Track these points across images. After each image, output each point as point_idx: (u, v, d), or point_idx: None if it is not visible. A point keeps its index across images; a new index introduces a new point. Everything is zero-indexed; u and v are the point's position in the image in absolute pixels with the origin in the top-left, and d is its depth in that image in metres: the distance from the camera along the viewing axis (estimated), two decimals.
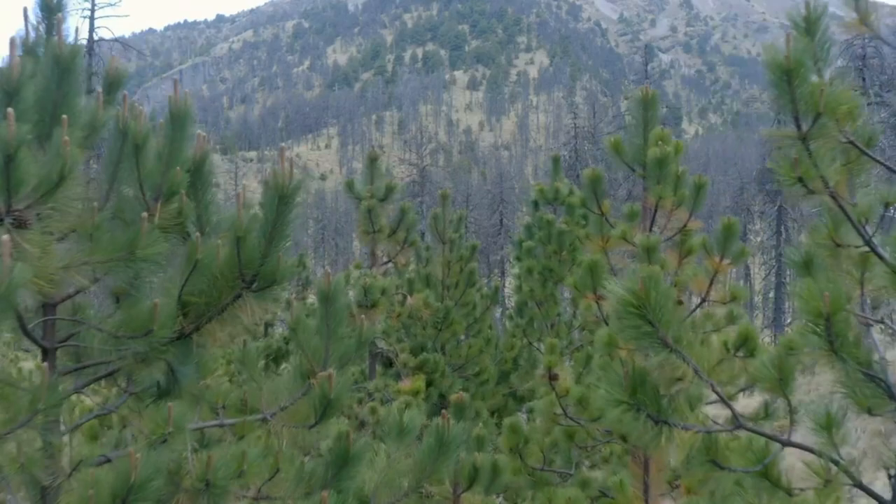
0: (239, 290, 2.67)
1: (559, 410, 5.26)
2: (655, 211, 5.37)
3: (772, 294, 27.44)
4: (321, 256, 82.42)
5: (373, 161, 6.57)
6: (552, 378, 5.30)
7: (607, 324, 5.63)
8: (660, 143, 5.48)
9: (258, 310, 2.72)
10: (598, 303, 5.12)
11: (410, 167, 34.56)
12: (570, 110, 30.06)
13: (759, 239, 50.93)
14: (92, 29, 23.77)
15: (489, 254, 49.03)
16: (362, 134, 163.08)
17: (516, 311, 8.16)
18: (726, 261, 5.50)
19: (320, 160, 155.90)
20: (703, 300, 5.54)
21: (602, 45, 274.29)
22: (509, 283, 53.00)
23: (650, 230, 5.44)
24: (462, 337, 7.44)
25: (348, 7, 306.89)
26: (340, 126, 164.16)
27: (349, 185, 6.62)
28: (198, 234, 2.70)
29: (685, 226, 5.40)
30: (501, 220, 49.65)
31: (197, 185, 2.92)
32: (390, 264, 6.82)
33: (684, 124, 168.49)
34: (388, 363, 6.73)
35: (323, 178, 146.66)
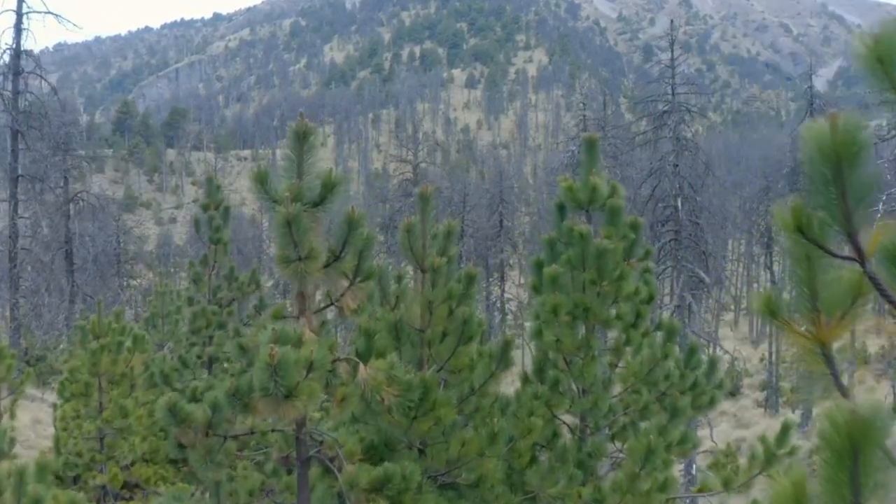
0: None
1: None
2: None
3: None
4: None
5: (302, 138, 3.84)
6: None
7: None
8: None
9: None
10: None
11: (403, 164, 31.77)
12: (579, 100, 27.31)
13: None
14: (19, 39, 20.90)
15: (488, 257, 46.23)
16: (359, 132, 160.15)
17: (535, 372, 5.42)
18: None
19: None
20: None
21: (601, 44, 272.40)
22: (509, 288, 50.34)
23: None
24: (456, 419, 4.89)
25: (346, 5, 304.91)
26: (336, 124, 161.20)
27: (260, 180, 3.86)
28: None
29: None
30: (501, 222, 46.88)
31: None
32: (333, 309, 4.12)
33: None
34: (329, 472, 4.08)
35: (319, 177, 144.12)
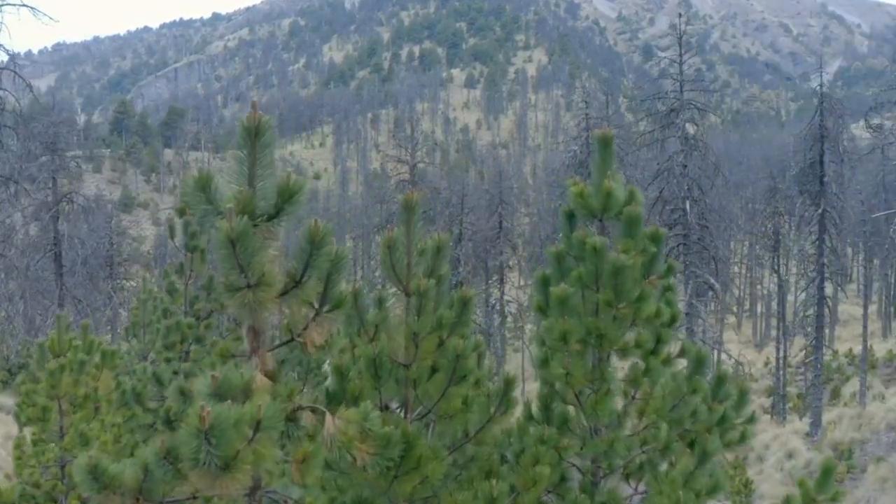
0: None
1: None
2: None
3: (812, 311, 23.88)
4: None
5: (254, 135, 3.07)
6: None
7: None
8: None
9: None
10: None
11: (400, 164, 30.96)
12: (582, 98, 26.50)
13: (795, 247, 47.44)
14: None
15: (487, 259, 45.41)
16: (357, 132, 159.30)
17: (540, 408, 4.64)
18: None
19: (314, 159, 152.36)
20: None
21: (601, 44, 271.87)
22: (509, 291, 49.60)
23: None
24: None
25: (345, 5, 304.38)
26: (335, 124, 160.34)
27: (201, 185, 3.09)
28: None
29: None
30: (500, 223, 46.10)
31: None
32: (293, 345, 3.34)
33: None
34: None
35: (317, 177, 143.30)
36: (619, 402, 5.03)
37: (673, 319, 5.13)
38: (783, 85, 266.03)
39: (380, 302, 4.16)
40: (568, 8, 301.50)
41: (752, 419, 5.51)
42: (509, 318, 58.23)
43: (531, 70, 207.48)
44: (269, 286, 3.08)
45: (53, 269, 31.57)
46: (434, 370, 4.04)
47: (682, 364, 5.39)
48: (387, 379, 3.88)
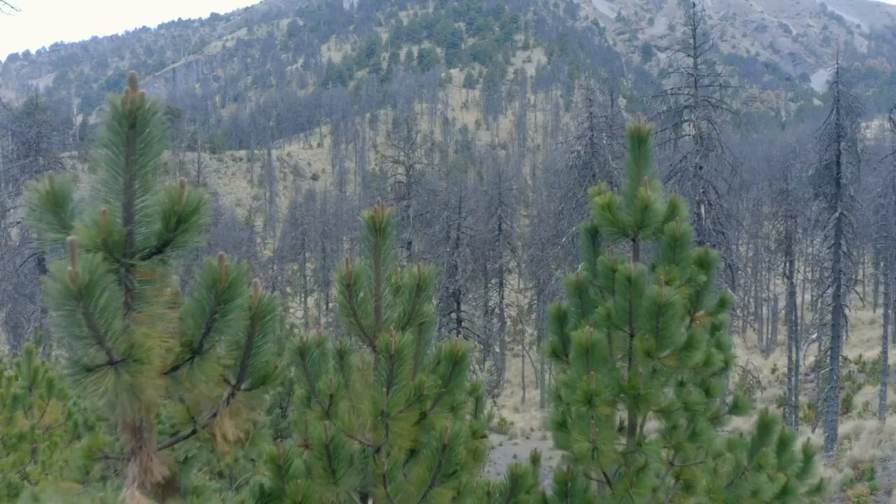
0: None
1: None
2: None
3: (828, 318, 22.69)
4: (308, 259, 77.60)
5: (132, 123, 1.90)
6: None
7: None
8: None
9: None
10: None
11: (396, 164, 29.80)
12: (586, 95, 25.36)
13: (809, 250, 46.21)
14: None
15: (486, 262, 44.23)
16: (355, 132, 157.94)
17: (558, 493, 3.50)
18: None
19: (312, 159, 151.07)
20: None
21: (600, 44, 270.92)
22: (508, 295, 48.49)
23: None
24: None
25: (343, 5, 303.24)
26: (333, 124, 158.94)
27: (52, 204, 1.92)
28: None
29: None
30: (500, 225, 44.98)
31: None
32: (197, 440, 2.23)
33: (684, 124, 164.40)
34: None
35: (314, 178, 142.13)
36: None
37: (725, 366, 4.00)
38: (783, 85, 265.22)
39: (340, 356, 3.03)
40: (567, 8, 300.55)
41: (820, 487, 4.37)
42: (508, 322, 57.07)
43: (530, 70, 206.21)
44: (145, 362, 1.96)
45: (37, 273, 30.39)
46: (413, 452, 2.91)
47: (734, 422, 4.27)
48: (345, 471, 2.75)
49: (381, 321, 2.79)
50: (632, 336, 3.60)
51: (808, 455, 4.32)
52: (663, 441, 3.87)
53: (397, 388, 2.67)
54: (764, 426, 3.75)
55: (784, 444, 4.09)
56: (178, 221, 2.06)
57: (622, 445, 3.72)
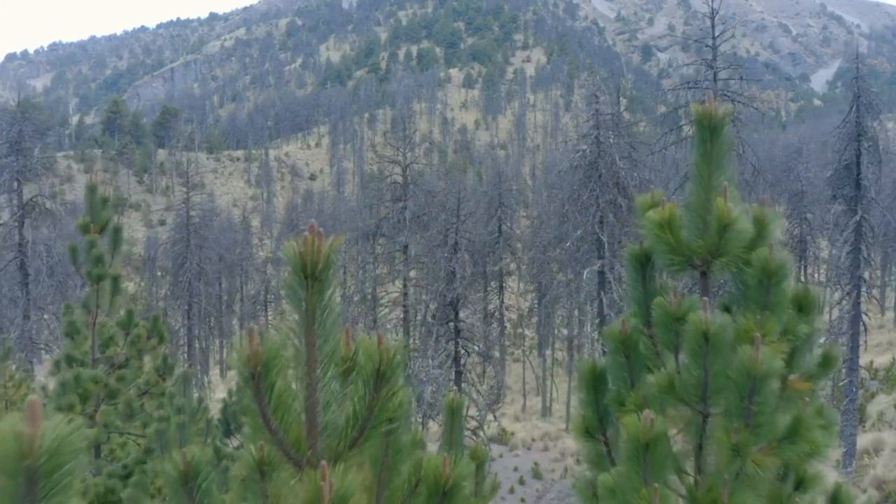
0: None
1: None
2: None
3: (846, 327, 21.55)
4: None
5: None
6: None
7: None
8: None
9: None
10: None
11: (392, 164, 28.65)
12: (592, 91, 24.23)
13: (825, 254, 45.00)
14: None
15: (486, 265, 43.03)
16: (354, 132, 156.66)
17: None
18: None
19: (310, 159, 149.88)
20: None
21: (600, 44, 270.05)
22: (508, 298, 47.22)
23: None
24: None
25: (342, 4, 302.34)
26: (331, 124, 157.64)
27: None
28: None
29: None
30: (500, 227, 43.86)
31: None
32: None
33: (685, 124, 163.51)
34: None
35: (312, 178, 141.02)
36: None
37: (825, 447, 2.84)
38: (783, 85, 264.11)
39: (262, 475, 1.86)
40: (567, 8, 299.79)
41: None
42: (508, 327, 55.84)
43: (530, 70, 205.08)
44: None
45: (18, 278, 29.33)
46: None
47: None
48: None
49: (318, 430, 1.63)
50: (705, 418, 2.44)
51: None
52: None
53: None
54: None
55: None
56: None
57: None
